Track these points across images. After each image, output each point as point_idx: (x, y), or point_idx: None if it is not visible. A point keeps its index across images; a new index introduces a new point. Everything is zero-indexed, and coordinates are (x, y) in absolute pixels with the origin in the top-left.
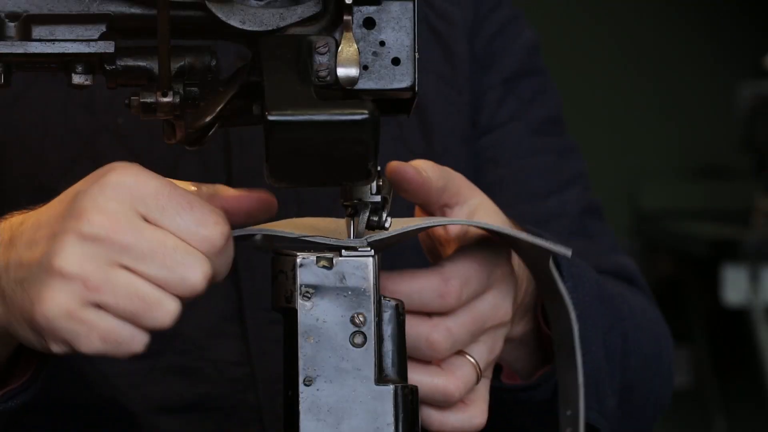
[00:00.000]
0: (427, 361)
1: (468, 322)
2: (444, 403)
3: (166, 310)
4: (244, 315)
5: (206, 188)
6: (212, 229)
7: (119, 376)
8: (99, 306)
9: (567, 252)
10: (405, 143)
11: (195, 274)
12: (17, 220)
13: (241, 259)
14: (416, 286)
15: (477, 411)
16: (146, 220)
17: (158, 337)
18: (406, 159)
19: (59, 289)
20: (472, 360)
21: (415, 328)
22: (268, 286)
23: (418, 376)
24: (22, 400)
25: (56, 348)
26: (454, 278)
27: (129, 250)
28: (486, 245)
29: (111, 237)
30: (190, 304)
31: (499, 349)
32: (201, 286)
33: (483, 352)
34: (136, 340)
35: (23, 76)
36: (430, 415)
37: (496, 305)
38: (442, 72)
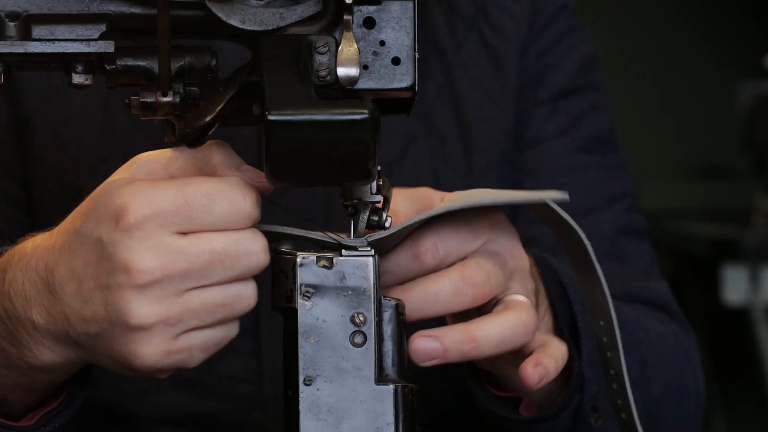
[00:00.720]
0: (480, 313)
1: (490, 257)
2: (528, 335)
3: (246, 298)
4: (260, 332)
5: (215, 144)
6: (243, 206)
7: (128, 381)
8: (188, 330)
9: (564, 196)
10: (445, 160)
11: (256, 256)
12: (39, 258)
13: (262, 275)
14: (391, 258)
15: (558, 341)
16: (184, 233)
17: None
18: (447, 176)
19: (147, 341)
20: (519, 296)
21: (446, 278)
22: None
23: (488, 327)
24: (59, 423)
25: (166, 375)
26: (424, 239)
27: (187, 274)
28: (454, 213)
29: (166, 274)
30: None
31: (532, 299)
32: (266, 260)
33: (522, 293)
34: (230, 331)
35: None
36: (542, 359)
37: (504, 244)
38: (490, 88)
